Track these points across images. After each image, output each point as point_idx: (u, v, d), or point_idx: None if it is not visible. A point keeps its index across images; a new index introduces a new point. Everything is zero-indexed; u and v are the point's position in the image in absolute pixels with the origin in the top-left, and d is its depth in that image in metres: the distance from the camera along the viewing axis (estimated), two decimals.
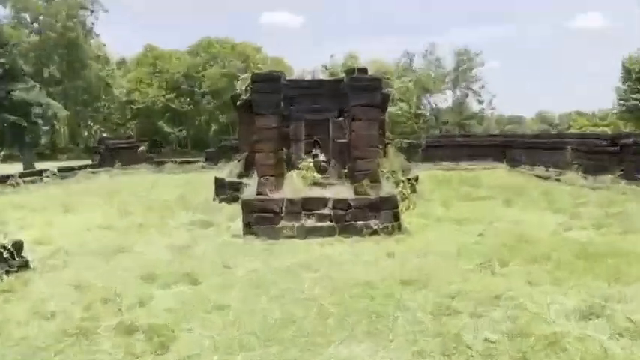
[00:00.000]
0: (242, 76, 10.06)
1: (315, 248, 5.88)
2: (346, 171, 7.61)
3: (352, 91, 7.02)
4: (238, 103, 9.76)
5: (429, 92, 33.98)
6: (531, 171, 14.59)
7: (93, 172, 16.32)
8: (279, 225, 6.47)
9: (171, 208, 8.88)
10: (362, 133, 6.95)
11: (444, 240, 6.16)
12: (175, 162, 18.98)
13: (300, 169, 7.63)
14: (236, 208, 8.18)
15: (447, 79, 34.55)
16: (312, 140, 9.20)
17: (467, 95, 35.15)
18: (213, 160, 18.40)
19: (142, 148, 20.65)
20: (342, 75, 9.14)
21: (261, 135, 7.06)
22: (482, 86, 33.89)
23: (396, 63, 34.14)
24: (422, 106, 33.96)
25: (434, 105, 35.22)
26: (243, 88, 9.57)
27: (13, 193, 11.70)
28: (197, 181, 13.66)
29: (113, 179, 15.30)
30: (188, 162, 19.14)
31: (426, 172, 14.26)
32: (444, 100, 36.31)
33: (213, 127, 37.28)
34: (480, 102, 34.37)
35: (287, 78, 9.03)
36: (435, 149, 18.39)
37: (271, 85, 7.11)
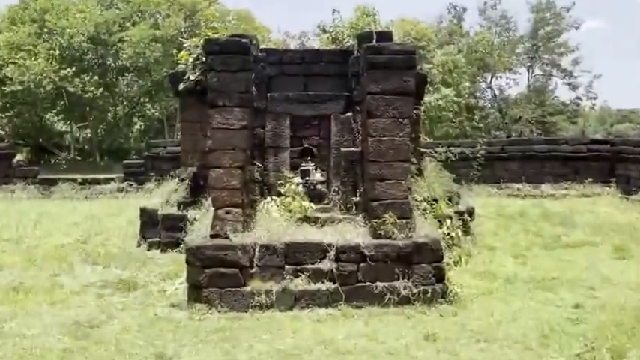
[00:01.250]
0: (187, 43, 10.00)
1: (306, 327, 5.92)
2: (357, 199, 7.67)
3: (369, 70, 7.07)
4: (181, 87, 9.78)
5: (490, 71, 34.66)
6: None
7: None
8: (248, 288, 6.52)
9: (67, 258, 8.86)
10: (384, 137, 7.05)
11: (519, 315, 6.21)
12: (75, 181, 18.88)
13: (283, 194, 7.70)
14: (177, 258, 8.27)
15: (519, 50, 35.33)
16: (302, 148, 9.51)
17: (550, 76, 35.90)
18: (136, 177, 18.41)
19: (18, 157, 20.60)
20: (352, 43, 9.36)
21: (220, 139, 7.08)
22: (577, 62, 34.74)
23: (436, 23, 35.01)
24: (478, 94, 34.57)
25: (498, 91, 35.95)
26: (190, 62, 9.64)
27: None
28: (111, 213, 13.63)
29: None
30: (96, 181, 18.98)
31: (485, 201, 14.46)
32: (514, 83, 36.78)
33: (138, 125, 37.28)
34: (573, 87, 35.13)
35: (262, 47, 9.25)
36: (501, 163, 18.47)
37: (237, 58, 7.13)
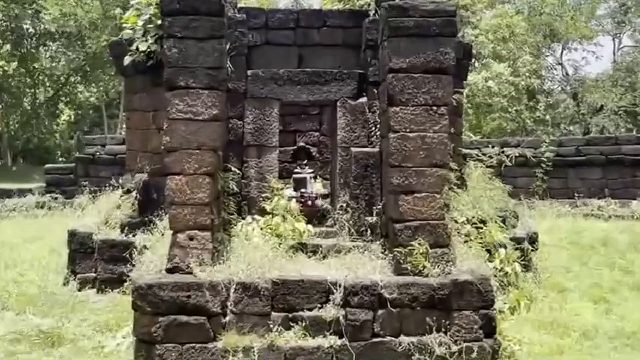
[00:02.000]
0: (135, 1, 9.81)
1: None
2: (374, 219, 7.65)
3: (391, 38, 6.94)
4: (127, 61, 9.45)
5: (560, 41, 33.82)
6: None
7: None
8: (220, 344, 6.36)
9: None
10: (412, 133, 6.89)
11: None
12: None
13: (269, 212, 7.66)
14: (119, 302, 8.24)
15: (600, 11, 34.52)
16: (295, 148, 9.74)
17: None
18: (63, 188, 18.52)
19: None
20: (367, 0, 9.23)
21: (182, 134, 6.93)
22: None
23: None
24: (544, 72, 33.66)
25: (571, 70, 35.16)
26: (140, 27, 9.41)
27: None
28: (27, 237, 13.36)
29: None
30: (6, 193, 19.04)
31: (554, 224, 14.20)
32: (594, 58, 36.05)
33: (66, 114, 36.93)
34: None
35: (240, 5, 9.18)
36: (576, 170, 18.45)
37: (205, 21, 7.00)
